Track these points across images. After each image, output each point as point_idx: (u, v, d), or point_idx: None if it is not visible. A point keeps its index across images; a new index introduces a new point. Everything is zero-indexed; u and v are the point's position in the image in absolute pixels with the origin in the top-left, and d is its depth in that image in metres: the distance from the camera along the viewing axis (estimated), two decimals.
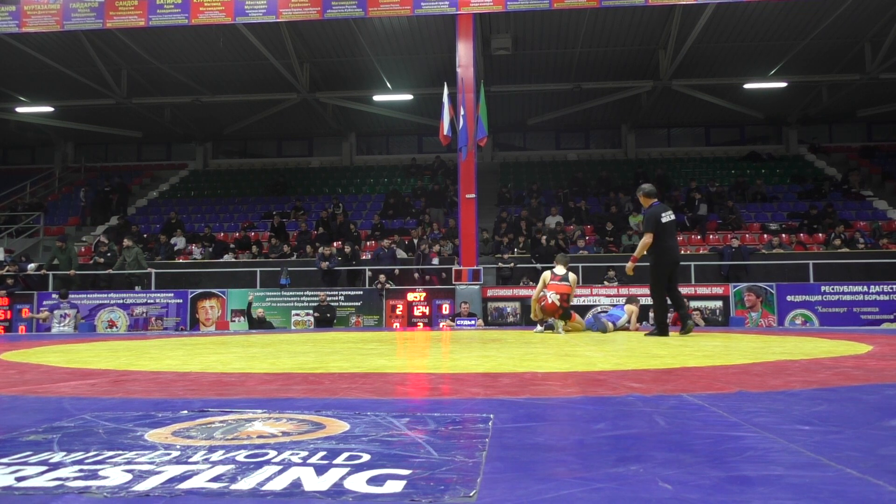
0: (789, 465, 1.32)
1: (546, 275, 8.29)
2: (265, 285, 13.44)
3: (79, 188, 20.62)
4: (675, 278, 7.01)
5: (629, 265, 6.98)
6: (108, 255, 14.45)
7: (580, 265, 13.36)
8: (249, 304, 12.61)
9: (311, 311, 12.75)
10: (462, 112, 12.04)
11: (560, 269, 8.28)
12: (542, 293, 8.14)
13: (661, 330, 6.82)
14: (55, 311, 12.89)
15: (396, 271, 13.74)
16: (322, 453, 1.44)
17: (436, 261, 14.12)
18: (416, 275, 13.93)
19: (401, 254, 14.51)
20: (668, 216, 6.88)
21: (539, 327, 8.34)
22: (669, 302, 7.07)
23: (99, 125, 20.21)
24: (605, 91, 18.61)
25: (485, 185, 17.28)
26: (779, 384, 2.69)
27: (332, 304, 12.83)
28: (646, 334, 6.96)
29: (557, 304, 7.94)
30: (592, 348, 5.05)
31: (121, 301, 13.22)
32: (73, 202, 20.22)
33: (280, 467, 1.32)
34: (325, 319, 12.53)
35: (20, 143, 22.93)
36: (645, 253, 6.92)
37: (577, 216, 16.55)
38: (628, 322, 8.78)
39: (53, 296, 13.21)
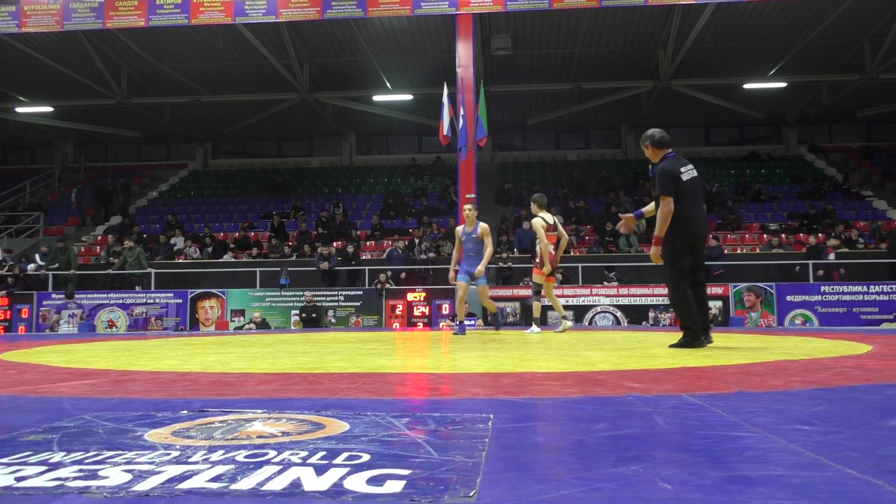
0: (789, 465, 1.32)
1: (539, 221, 7.67)
2: (265, 285, 13.44)
3: (79, 188, 20.61)
4: (699, 262, 4.84)
5: (653, 250, 4.85)
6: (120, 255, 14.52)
7: (580, 265, 13.36)
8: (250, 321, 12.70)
9: (297, 312, 12.73)
10: (462, 112, 12.04)
11: (549, 217, 7.78)
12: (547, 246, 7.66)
13: (688, 338, 4.74)
14: (63, 312, 12.96)
15: (403, 274, 13.71)
16: (322, 453, 1.44)
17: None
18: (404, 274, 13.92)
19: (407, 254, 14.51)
20: (689, 171, 4.87)
21: (535, 328, 7.91)
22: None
23: (99, 125, 20.20)
24: (605, 91, 18.60)
25: (485, 185, 17.27)
26: (779, 384, 2.68)
27: (318, 304, 12.77)
28: (670, 346, 4.90)
29: (555, 254, 7.76)
30: (592, 348, 5.05)
31: (120, 301, 13.22)
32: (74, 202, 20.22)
33: (280, 467, 1.32)
34: (311, 320, 12.49)
35: (20, 143, 22.93)
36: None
37: (576, 216, 16.55)
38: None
39: (53, 296, 13.25)
